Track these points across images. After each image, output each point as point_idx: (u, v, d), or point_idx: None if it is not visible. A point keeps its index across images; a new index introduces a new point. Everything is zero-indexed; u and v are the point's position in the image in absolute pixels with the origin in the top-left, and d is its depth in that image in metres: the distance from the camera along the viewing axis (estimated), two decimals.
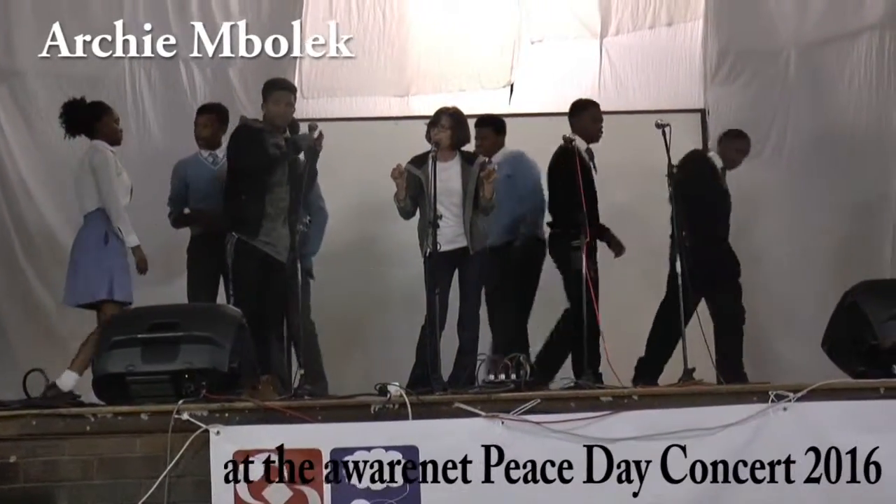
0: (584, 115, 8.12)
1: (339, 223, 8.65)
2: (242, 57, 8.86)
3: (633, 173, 8.94)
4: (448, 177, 7.29)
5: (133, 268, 7.33)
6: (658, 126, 7.44)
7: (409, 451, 5.39)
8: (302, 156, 7.46)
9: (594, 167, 8.01)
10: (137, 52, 8.81)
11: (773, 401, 5.56)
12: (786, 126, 8.42)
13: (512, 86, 9.58)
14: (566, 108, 8.40)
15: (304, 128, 7.48)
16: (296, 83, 9.15)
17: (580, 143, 7.92)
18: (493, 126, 8.38)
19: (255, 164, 7.33)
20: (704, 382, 6.98)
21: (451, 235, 7.22)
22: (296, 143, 7.41)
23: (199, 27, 9.00)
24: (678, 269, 7.28)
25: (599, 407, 5.58)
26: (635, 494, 5.43)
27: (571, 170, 7.54)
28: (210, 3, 9.04)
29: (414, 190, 7.39)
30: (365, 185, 8.72)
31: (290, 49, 9.07)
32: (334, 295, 8.56)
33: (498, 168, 7.62)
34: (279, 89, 7.60)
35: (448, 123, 7.48)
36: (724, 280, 7.90)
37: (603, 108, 8.53)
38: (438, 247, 7.01)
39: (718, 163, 8.18)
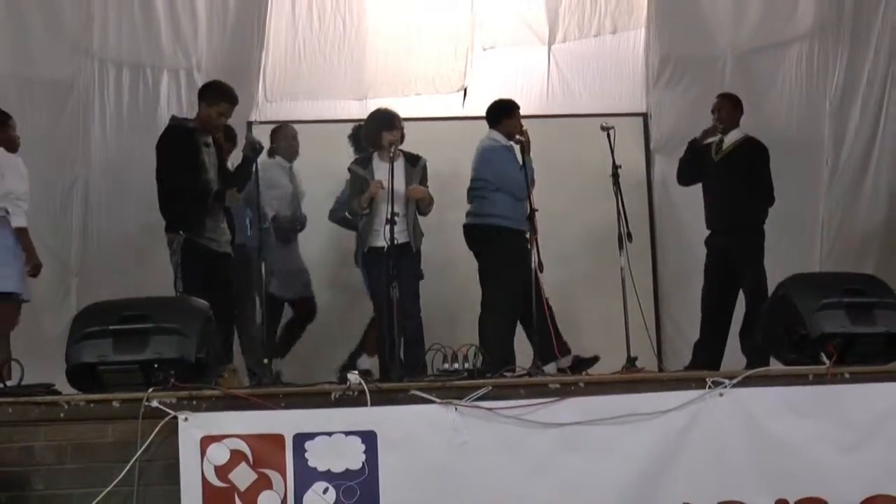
0: None
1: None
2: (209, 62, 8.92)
3: (579, 173, 9.01)
4: (396, 177, 7.30)
5: None
6: (603, 129, 7.53)
7: (368, 436, 5.39)
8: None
9: None
10: (107, 58, 8.81)
11: (710, 387, 5.59)
12: None
13: (465, 90, 9.62)
14: None
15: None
16: (259, 87, 9.21)
17: None
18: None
19: (191, 165, 7.29)
20: (646, 370, 7.08)
21: (395, 232, 7.24)
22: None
23: (166, 33, 9.01)
24: (622, 262, 7.35)
25: (547, 394, 5.60)
26: (580, 476, 5.47)
27: None
28: (177, 9, 9.01)
29: (360, 190, 7.47)
30: (325, 181, 8.73)
31: (255, 54, 9.12)
32: None
33: None
34: (227, 101, 7.49)
35: (400, 125, 7.54)
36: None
37: (550, 111, 8.64)
38: (395, 241, 7.07)
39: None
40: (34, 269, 7.33)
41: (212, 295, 7.27)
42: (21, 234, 7.24)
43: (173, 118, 7.67)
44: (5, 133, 7.41)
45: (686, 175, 8.30)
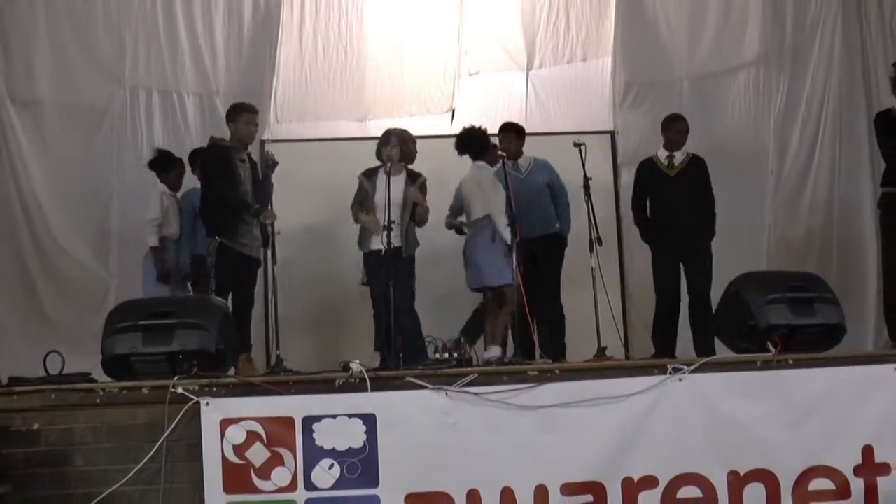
0: None
1: (309, 223, 8.68)
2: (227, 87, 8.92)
3: None
4: (394, 190, 7.30)
5: None
6: (575, 145, 7.55)
7: (368, 418, 5.40)
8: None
9: None
10: (137, 84, 8.80)
11: (670, 373, 5.59)
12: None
13: (453, 111, 9.62)
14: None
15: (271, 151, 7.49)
16: (271, 109, 9.19)
17: None
18: (515, 131, 8.33)
19: (229, 178, 7.30)
20: (614, 358, 7.09)
21: (391, 237, 7.17)
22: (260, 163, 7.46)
23: (189, 61, 9.00)
24: (593, 263, 7.36)
25: (527, 380, 5.61)
26: (555, 452, 5.47)
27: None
28: (199, 41, 9.01)
29: (363, 198, 7.45)
30: (330, 193, 8.71)
31: (267, 80, 9.11)
32: (306, 285, 8.60)
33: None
34: (245, 111, 7.55)
35: (396, 141, 7.53)
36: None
37: (528, 129, 8.61)
38: (391, 245, 7.06)
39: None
40: (162, 276, 7.80)
41: (236, 292, 7.31)
42: (153, 251, 7.85)
43: (212, 138, 7.73)
44: (168, 175, 8.04)
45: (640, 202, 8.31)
